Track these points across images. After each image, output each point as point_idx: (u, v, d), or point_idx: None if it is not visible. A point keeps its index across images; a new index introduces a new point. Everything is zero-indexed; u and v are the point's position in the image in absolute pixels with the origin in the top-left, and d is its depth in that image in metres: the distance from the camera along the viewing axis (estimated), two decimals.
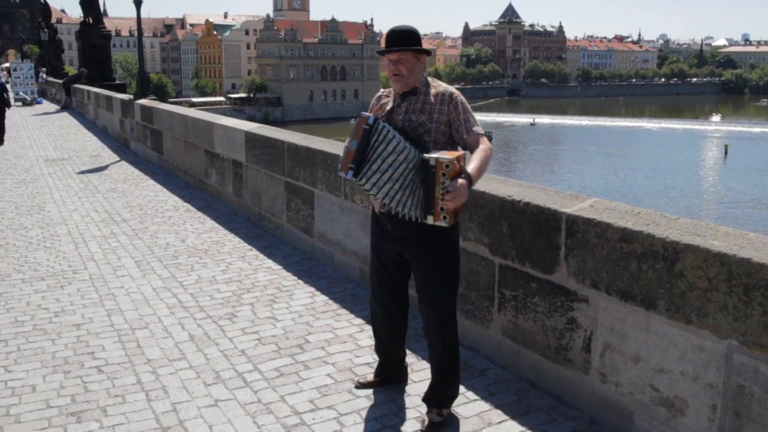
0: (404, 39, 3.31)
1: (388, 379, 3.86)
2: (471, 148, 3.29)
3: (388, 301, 3.64)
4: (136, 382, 3.97)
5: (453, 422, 3.50)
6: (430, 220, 3.14)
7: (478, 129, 3.32)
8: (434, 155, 3.10)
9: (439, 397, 3.51)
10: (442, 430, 3.44)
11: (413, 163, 3.14)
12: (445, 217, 3.11)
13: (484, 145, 3.27)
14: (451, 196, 3.03)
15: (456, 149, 3.32)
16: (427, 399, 3.54)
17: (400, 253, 3.46)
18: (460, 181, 3.05)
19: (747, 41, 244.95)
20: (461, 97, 3.36)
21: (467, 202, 4.15)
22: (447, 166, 3.05)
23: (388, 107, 3.43)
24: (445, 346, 3.45)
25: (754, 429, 2.80)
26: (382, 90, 3.62)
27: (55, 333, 4.72)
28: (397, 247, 3.45)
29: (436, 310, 3.42)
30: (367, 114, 3.24)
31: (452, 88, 3.39)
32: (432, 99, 3.34)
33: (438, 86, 3.40)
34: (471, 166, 3.18)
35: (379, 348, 3.83)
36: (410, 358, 4.14)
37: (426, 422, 3.44)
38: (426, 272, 3.40)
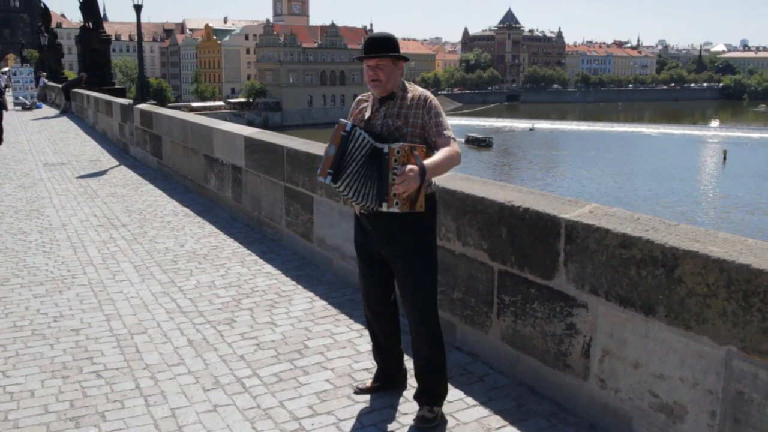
0: (382, 45, 3.40)
1: (388, 384, 3.87)
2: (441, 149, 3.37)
3: (376, 301, 3.68)
4: (134, 387, 3.96)
5: (451, 427, 3.50)
6: (384, 207, 3.22)
7: (449, 133, 3.38)
8: (387, 144, 3.22)
9: (430, 394, 3.54)
10: (434, 425, 3.48)
11: (366, 152, 3.24)
12: (397, 203, 3.18)
13: (451, 147, 3.33)
14: (400, 180, 3.09)
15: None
16: (418, 397, 3.57)
17: (380, 251, 3.53)
18: (410, 166, 3.12)
19: (746, 47, 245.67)
20: (435, 102, 3.43)
21: (465, 207, 4.18)
22: (398, 151, 3.16)
23: (368, 112, 3.51)
24: (431, 343, 3.50)
25: None
26: (361, 94, 3.69)
27: (54, 338, 4.71)
28: (377, 247, 3.52)
29: (419, 307, 3.49)
30: (345, 121, 3.34)
31: (427, 93, 3.46)
32: (408, 103, 3.41)
33: (414, 90, 3.47)
34: (429, 159, 3.25)
35: (377, 351, 3.85)
36: (408, 363, 4.13)
37: (418, 418, 3.50)
38: (406, 270, 3.46)
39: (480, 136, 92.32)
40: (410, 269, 3.45)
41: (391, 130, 3.39)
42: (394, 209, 3.20)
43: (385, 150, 3.20)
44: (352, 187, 3.26)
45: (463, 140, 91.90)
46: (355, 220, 3.67)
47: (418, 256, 3.45)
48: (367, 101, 3.58)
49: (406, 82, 3.53)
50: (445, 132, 3.37)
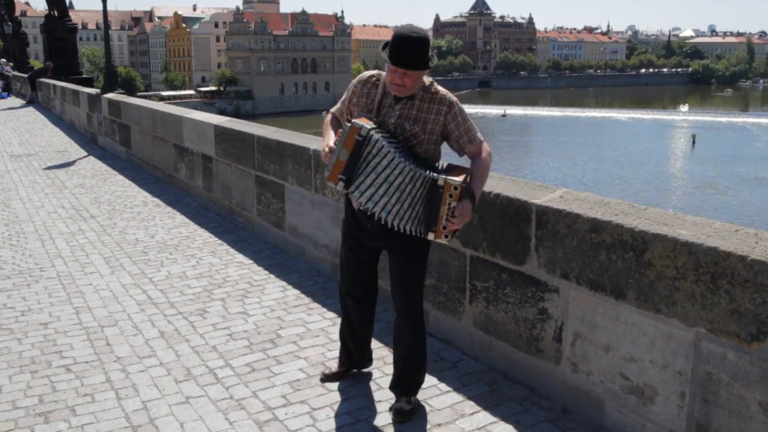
0: (416, 58, 3.08)
1: (353, 366, 3.86)
2: (473, 157, 3.30)
3: (357, 288, 3.65)
4: (105, 381, 3.91)
5: (425, 413, 3.50)
6: (431, 236, 3.15)
7: (480, 135, 3.30)
8: (443, 176, 3.08)
9: (409, 385, 3.53)
10: (412, 417, 3.45)
11: (410, 177, 3.06)
12: (446, 236, 3.13)
13: (484, 154, 3.29)
14: (459, 220, 3.08)
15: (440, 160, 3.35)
16: (395, 387, 3.56)
17: (376, 246, 3.49)
18: (467, 203, 3.10)
19: (713, 32, 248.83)
20: (459, 107, 3.29)
21: None
22: (455, 188, 3.05)
23: (376, 100, 3.30)
24: (415, 333, 3.47)
25: (722, 415, 2.84)
26: (369, 72, 3.43)
27: (22, 332, 4.63)
28: (374, 242, 3.45)
29: (411, 298, 3.44)
30: (360, 124, 3.10)
31: (451, 97, 3.28)
32: (427, 106, 3.24)
33: (436, 92, 3.26)
34: (475, 186, 3.21)
35: (349, 332, 3.78)
36: (383, 351, 4.14)
37: (396, 411, 3.47)
38: (402, 263, 3.41)
39: None
40: (407, 261, 3.39)
41: (407, 135, 3.23)
42: (443, 241, 3.17)
43: (440, 183, 3.05)
44: (378, 202, 3.09)
45: None
46: (347, 212, 3.52)
47: (417, 253, 3.40)
48: (377, 85, 3.32)
49: (425, 78, 3.27)
50: (477, 135, 3.29)
